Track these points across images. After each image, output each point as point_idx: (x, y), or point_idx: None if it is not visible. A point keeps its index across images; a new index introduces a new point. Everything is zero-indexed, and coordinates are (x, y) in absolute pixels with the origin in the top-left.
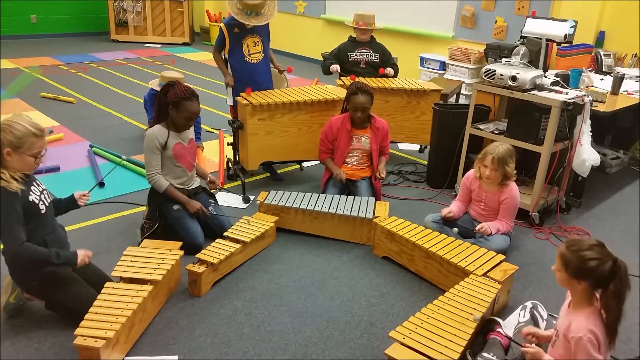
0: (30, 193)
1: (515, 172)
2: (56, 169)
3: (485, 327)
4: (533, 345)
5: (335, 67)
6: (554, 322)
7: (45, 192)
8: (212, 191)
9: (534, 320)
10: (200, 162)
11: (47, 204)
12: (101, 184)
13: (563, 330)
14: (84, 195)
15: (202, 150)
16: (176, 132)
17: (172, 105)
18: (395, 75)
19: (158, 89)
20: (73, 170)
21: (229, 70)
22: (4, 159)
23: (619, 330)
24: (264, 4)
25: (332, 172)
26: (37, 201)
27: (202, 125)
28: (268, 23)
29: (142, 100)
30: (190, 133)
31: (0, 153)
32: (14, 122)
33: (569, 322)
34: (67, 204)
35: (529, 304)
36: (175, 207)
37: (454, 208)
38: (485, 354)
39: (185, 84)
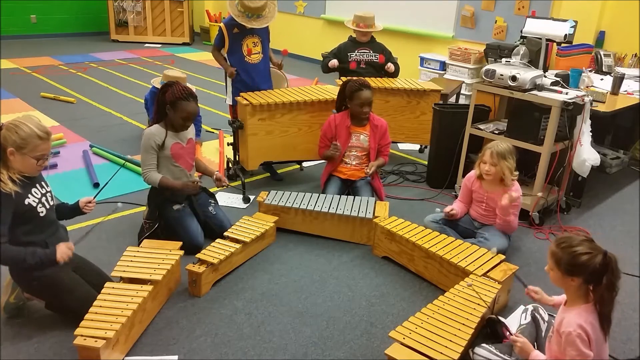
0: (29, 196)
1: (516, 172)
2: (54, 166)
3: (493, 330)
4: (520, 336)
5: (334, 62)
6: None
7: (48, 194)
8: (218, 189)
9: (535, 323)
10: (199, 156)
11: (47, 207)
12: (96, 185)
13: (556, 326)
14: (90, 203)
15: (201, 145)
16: (174, 132)
17: (169, 105)
18: (395, 75)
19: (158, 86)
20: (73, 170)
21: None
22: (7, 158)
23: (619, 331)
24: (265, 6)
25: (329, 153)
26: (34, 204)
27: (202, 125)
28: None
29: (142, 100)
30: (189, 133)
31: (4, 153)
32: (21, 122)
33: (562, 318)
34: (72, 211)
35: (530, 307)
36: (175, 207)
37: (456, 207)
38: (485, 345)
39: (187, 84)
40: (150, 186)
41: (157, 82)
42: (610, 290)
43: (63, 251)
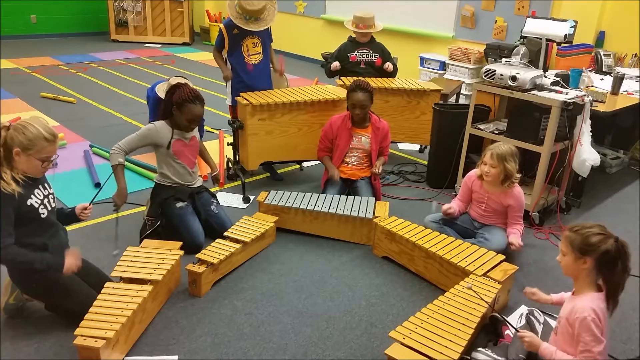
0: (31, 197)
1: (518, 175)
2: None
3: (493, 328)
4: (527, 332)
5: (336, 64)
6: (551, 322)
7: (50, 196)
8: (215, 184)
9: (530, 326)
10: (206, 154)
11: (49, 209)
12: (97, 185)
13: (565, 315)
14: (86, 209)
15: None
16: (179, 131)
17: (175, 107)
18: (394, 75)
19: (162, 95)
20: (73, 170)
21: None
22: (13, 158)
23: (619, 331)
24: (264, 9)
25: (328, 170)
26: (37, 205)
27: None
28: None
29: (142, 100)
30: (193, 131)
31: (10, 153)
32: (29, 123)
33: (572, 306)
34: (68, 217)
35: (525, 310)
36: (179, 204)
37: (453, 205)
38: (481, 349)
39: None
40: (154, 184)
41: (161, 90)
42: (625, 273)
43: (71, 263)
